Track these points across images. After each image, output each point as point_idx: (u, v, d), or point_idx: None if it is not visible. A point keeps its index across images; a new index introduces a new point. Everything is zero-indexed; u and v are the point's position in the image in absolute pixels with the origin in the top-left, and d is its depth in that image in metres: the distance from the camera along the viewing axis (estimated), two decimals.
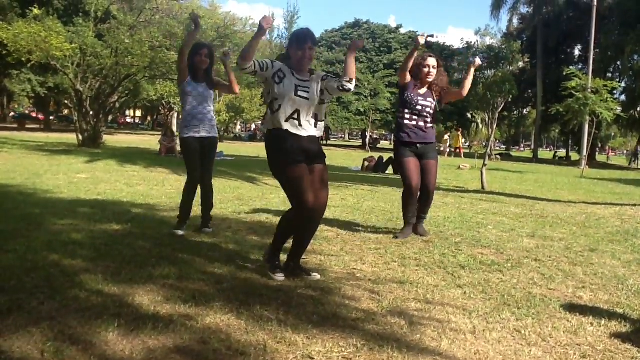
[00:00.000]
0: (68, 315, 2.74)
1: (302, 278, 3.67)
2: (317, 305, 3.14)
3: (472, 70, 5.50)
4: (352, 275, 3.85)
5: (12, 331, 2.50)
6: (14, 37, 15.59)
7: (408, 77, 5.44)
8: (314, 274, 3.74)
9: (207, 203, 5.27)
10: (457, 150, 34.62)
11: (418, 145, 5.41)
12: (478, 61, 5.54)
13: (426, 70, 5.37)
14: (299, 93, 3.67)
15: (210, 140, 5.20)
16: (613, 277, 4.15)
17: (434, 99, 5.45)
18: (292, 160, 3.61)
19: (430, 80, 5.40)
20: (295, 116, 3.65)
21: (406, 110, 5.45)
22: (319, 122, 3.78)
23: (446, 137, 36.92)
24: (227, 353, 2.43)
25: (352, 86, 3.69)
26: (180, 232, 4.98)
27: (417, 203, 5.48)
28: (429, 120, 5.43)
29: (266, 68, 3.69)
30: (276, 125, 3.67)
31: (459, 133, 37.07)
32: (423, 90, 5.44)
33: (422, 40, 5.17)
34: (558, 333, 2.90)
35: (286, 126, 3.64)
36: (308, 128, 3.71)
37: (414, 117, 5.42)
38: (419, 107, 5.39)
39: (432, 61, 5.39)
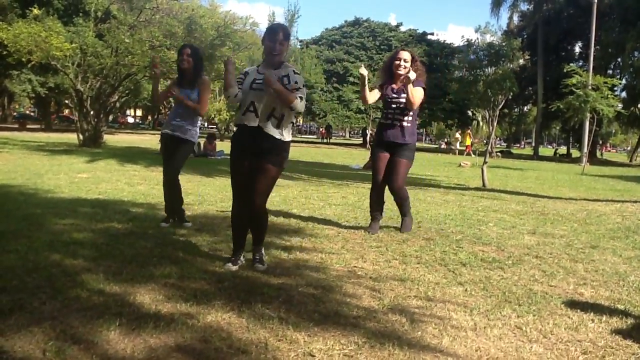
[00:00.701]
0: (70, 314, 2.74)
1: (301, 275, 3.68)
2: (318, 303, 3.14)
3: (408, 85, 5.19)
4: (353, 273, 3.85)
5: (14, 331, 2.51)
6: (14, 37, 15.59)
7: (370, 98, 5.39)
8: (256, 264, 3.84)
9: (174, 198, 5.34)
10: (466, 149, 34.50)
11: (391, 143, 5.40)
12: (363, 71, 5.21)
13: (397, 62, 5.33)
14: (254, 86, 3.77)
15: (171, 137, 5.26)
16: (614, 274, 4.15)
17: (403, 90, 5.32)
18: (234, 157, 3.88)
19: (401, 72, 5.30)
20: (252, 108, 3.74)
21: (384, 110, 5.51)
22: (273, 117, 3.74)
23: (457, 135, 36.86)
24: (228, 351, 2.43)
25: (296, 109, 3.70)
26: (163, 224, 5.21)
27: (381, 197, 5.59)
28: (404, 118, 5.36)
29: (241, 78, 3.92)
30: (236, 121, 3.89)
31: (469, 132, 37.04)
32: (397, 86, 5.37)
33: (363, 71, 5.16)
34: (559, 329, 2.91)
35: (243, 119, 3.78)
36: (264, 120, 3.74)
37: (389, 115, 5.42)
38: (393, 105, 5.38)
39: (404, 55, 5.35)
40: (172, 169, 5.28)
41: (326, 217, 6.11)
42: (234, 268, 3.80)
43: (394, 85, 5.42)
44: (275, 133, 3.76)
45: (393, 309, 3.11)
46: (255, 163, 3.77)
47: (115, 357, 2.32)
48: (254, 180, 3.78)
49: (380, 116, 5.53)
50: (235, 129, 3.99)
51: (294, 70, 3.81)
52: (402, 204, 5.55)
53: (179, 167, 5.34)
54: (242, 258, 3.96)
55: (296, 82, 3.74)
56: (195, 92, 5.20)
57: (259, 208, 3.86)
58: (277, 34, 3.76)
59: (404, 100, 5.31)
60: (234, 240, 3.99)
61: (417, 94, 5.25)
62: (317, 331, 2.71)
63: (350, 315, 2.97)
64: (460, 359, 2.48)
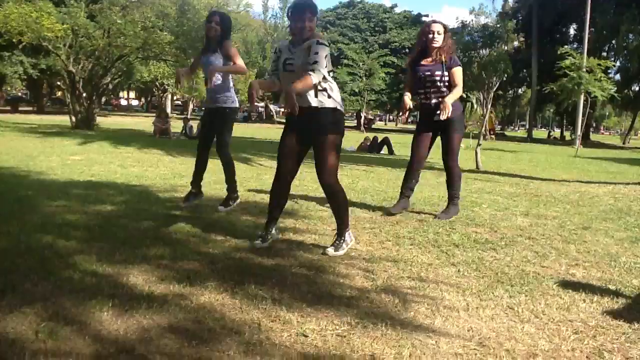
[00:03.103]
0: (62, 296, 2.74)
1: (295, 257, 3.69)
2: (312, 284, 3.15)
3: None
4: (346, 254, 3.85)
5: (6, 312, 2.50)
6: (4, 17, 15.43)
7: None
8: (328, 249, 3.82)
9: (225, 173, 5.29)
10: (491, 132, 34.06)
11: (434, 119, 5.24)
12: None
13: (430, 36, 5.16)
14: (287, 68, 3.76)
15: (213, 110, 5.19)
16: (606, 255, 4.17)
17: (444, 69, 5.17)
18: (284, 134, 3.91)
19: (435, 45, 5.16)
20: None
21: (418, 89, 5.34)
22: (320, 92, 3.72)
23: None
24: (222, 332, 2.43)
25: (316, 83, 3.63)
26: (184, 204, 5.22)
27: (414, 179, 5.52)
28: (443, 93, 5.20)
29: (277, 56, 3.91)
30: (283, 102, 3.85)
31: (492, 114, 36.78)
32: (430, 61, 5.20)
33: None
34: (551, 310, 2.92)
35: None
36: (312, 99, 3.72)
37: (427, 94, 5.27)
38: (428, 83, 5.24)
39: (436, 27, 5.19)
40: (219, 144, 5.21)
41: (320, 199, 6.09)
42: (264, 245, 3.88)
43: (423, 62, 5.26)
44: (328, 103, 3.75)
45: (386, 290, 3.11)
46: (312, 141, 3.79)
47: (108, 337, 2.32)
48: (317, 159, 3.78)
49: (418, 95, 5.38)
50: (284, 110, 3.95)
51: (317, 41, 3.67)
52: (454, 183, 5.42)
53: (228, 140, 5.25)
54: (272, 232, 4.01)
55: (313, 55, 3.62)
56: (218, 58, 5.07)
57: (333, 185, 3.84)
58: (292, 15, 3.73)
59: (438, 76, 5.18)
60: (269, 210, 4.04)
61: (458, 76, 5.18)
62: (311, 312, 2.72)
63: (344, 296, 2.98)
64: (452, 338, 2.49)
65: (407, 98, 5.25)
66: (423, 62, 5.28)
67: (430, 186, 7.60)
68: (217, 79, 5.09)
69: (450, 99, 5.08)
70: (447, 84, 5.24)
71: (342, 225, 3.91)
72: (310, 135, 3.80)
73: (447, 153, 5.38)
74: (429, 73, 5.21)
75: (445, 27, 5.28)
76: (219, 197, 5.64)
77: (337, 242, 3.87)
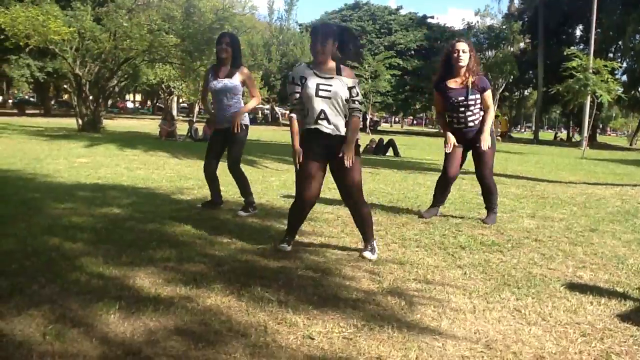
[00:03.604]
0: (69, 298, 2.74)
1: (301, 259, 3.69)
2: (318, 287, 3.14)
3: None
4: (352, 256, 3.85)
5: (14, 314, 2.51)
6: (11, 21, 15.51)
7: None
8: (365, 252, 3.85)
9: (239, 187, 5.40)
10: (503, 134, 34.00)
11: (468, 141, 5.32)
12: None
13: (455, 55, 5.08)
14: (320, 93, 3.74)
15: (226, 129, 5.25)
16: (613, 257, 4.15)
17: (470, 90, 5.11)
18: (308, 157, 3.79)
19: (461, 64, 5.08)
20: (323, 116, 3.75)
21: (451, 112, 5.32)
22: (346, 119, 3.83)
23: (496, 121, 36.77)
24: (228, 334, 2.43)
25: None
26: (198, 204, 5.46)
27: (447, 190, 5.53)
28: (473, 115, 5.21)
29: (299, 86, 3.82)
30: (308, 125, 3.82)
31: (505, 118, 36.67)
32: (460, 83, 5.16)
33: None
34: (558, 312, 2.91)
35: (316, 125, 3.78)
36: (340, 127, 3.79)
37: (460, 119, 5.25)
38: (462, 109, 5.20)
39: (461, 46, 5.11)
40: (232, 159, 5.32)
41: (325, 201, 6.09)
42: (289, 248, 3.91)
43: (452, 85, 5.19)
44: (344, 130, 3.83)
45: (392, 292, 3.11)
46: (336, 164, 3.81)
47: (115, 339, 2.32)
48: (345, 181, 3.83)
49: (449, 118, 5.39)
50: (306, 130, 3.87)
51: (359, 81, 3.85)
52: (491, 196, 5.44)
53: (239, 156, 5.37)
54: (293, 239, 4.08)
55: (357, 94, 3.82)
56: (234, 80, 5.15)
57: (359, 203, 3.90)
58: (316, 35, 3.79)
59: (472, 101, 5.14)
60: (291, 226, 4.03)
61: (490, 99, 5.26)
62: (317, 314, 2.72)
63: (350, 298, 2.98)
64: (459, 341, 2.49)
65: (450, 135, 5.28)
66: (452, 85, 5.20)
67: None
68: (243, 119, 5.28)
69: (488, 129, 5.19)
70: (480, 106, 5.22)
71: (367, 237, 3.94)
72: (328, 158, 3.84)
73: (482, 169, 5.41)
74: (462, 99, 5.16)
75: (469, 44, 5.22)
76: (225, 200, 5.65)
77: (369, 246, 3.90)
